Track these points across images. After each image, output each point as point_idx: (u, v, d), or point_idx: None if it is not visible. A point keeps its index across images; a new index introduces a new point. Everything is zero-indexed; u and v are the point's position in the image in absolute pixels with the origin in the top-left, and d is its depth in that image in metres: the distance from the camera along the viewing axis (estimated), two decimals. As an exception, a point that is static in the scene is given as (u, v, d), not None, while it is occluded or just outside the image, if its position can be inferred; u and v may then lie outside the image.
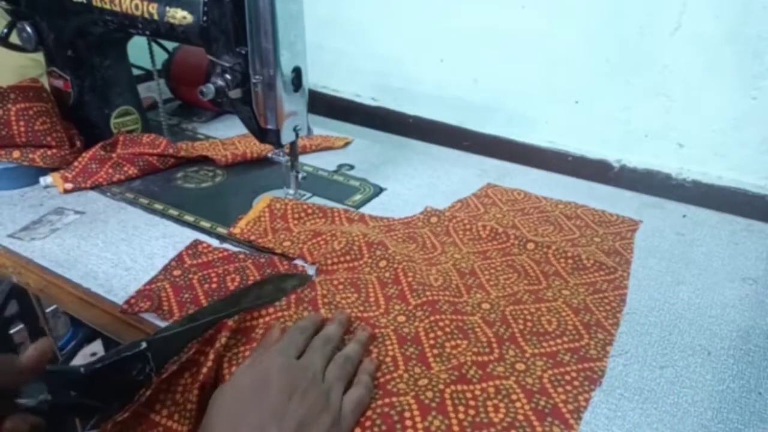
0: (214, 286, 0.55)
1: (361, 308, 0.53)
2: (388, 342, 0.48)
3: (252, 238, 0.62)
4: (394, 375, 0.45)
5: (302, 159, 0.80)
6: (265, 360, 0.43)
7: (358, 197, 0.74)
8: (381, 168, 0.82)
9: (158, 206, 0.70)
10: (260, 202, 0.68)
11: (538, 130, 0.88)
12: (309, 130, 0.67)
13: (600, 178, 0.82)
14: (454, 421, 0.41)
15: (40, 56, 0.80)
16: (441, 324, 0.50)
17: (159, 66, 0.87)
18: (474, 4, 0.85)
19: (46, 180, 0.72)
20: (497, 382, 0.45)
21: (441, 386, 0.44)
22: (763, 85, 0.70)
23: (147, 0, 0.64)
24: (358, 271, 0.57)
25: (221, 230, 0.65)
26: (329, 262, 0.58)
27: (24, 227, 0.65)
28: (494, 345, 0.49)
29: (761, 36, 0.68)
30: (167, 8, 0.63)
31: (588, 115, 0.83)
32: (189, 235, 0.64)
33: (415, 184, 0.78)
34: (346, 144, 0.90)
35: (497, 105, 0.90)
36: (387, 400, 0.43)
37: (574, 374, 0.46)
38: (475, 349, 0.48)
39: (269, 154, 0.69)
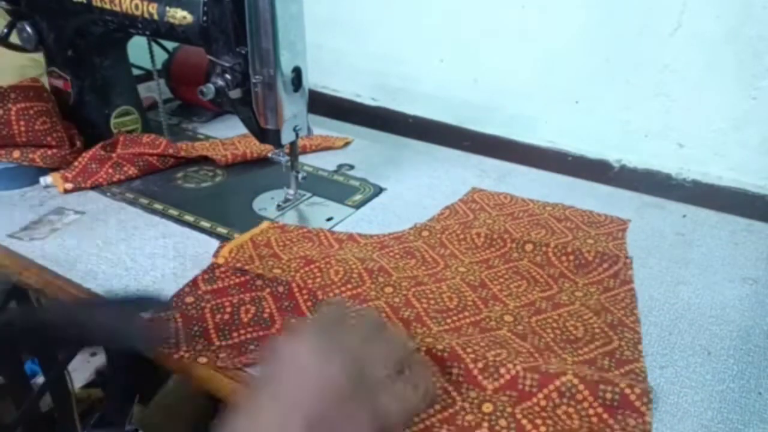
0: (226, 317, 0.52)
1: None
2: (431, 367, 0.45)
3: (238, 265, 0.58)
4: (456, 408, 0.43)
5: (302, 159, 0.80)
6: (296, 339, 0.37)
7: (358, 197, 0.74)
8: (381, 168, 0.82)
9: (158, 206, 0.70)
10: (246, 234, 0.64)
11: (538, 130, 0.88)
12: (309, 130, 0.67)
13: (600, 178, 0.82)
14: None
15: (40, 56, 0.80)
16: (474, 341, 0.48)
17: (159, 66, 0.87)
18: (474, 4, 0.85)
19: (46, 180, 0.72)
20: (557, 382, 0.43)
21: (509, 409, 0.42)
22: (763, 85, 0.70)
23: (147, 0, 0.64)
24: (364, 298, 0.54)
25: (221, 230, 0.65)
26: (331, 294, 0.54)
27: (24, 227, 0.65)
28: (536, 354, 0.47)
29: (761, 36, 0.68)
30: (167, 8, 0.63)
31: (588, 115, 0.83)
32: (189, 235, 0.64)
33: (415, 184, 0.78)
34: (346, 144, 0.90)
35: (497, 105, 0.90)
36: None
37: (622, 377, 0.45)
38: (521, 358, 0.46)
39: (269, 154, 0.69)
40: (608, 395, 0.42)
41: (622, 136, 0.81)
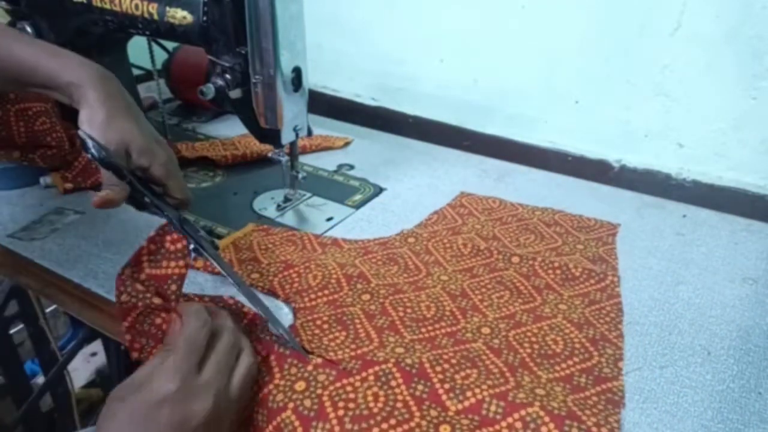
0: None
1: (353, 346, 0.48)
2: (393, 381, 0.44)
3: (216, 271, 0.57)
4: (411, 425, 0.41)
5: (302, 159, 0.80)
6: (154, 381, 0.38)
7: (358, 197, 0.74)
8: (381, 168, 0.82)
9: (158, 206, 0.70)
10: (231, 236, 0.63)
11: (538, 130, 0.88)
12: (309, 130, 0.67)
13: (600, 178, 0.82)
14: None
15: (40, 56, 0.79)
16: (445, 356, 0.47)
17: (159, 66, 0.87)
18: (474, 4, 0.85)
19: (46, 180, 0.72)
20: (522, 412, 0.42)
21: None
22: (763, 85, 0.70)
23: (147, 0, 0.64)
24: (340, 304, 0.53)
25: (221, 230, 0.65)
26: (306, 299, 0.54)
27: (24, 227, 0.65)
28: (507, 374, 0.46)
29: (761, 36, 0.68)
30: (167, 8, 0.63)
31: (588, 115, 0.83)
32: (189, 235, 0.64)
33: (415, 184, 0.78)
34: (346, 144, 0.90)
35: (497, 105, 0.90)
36: None
37: (595, 398, 0.44)
38: (489, 382, 0.45)
39: (269, 154, 0.69)
40: (574, 431, 0.41)
41: (622, 136, 0.81)
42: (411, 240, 0.65)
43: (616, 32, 0.76)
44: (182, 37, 0.64)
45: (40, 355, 1.10)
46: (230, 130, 0.93)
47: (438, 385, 0.44)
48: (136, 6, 0.65)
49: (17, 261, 0.60)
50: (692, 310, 0.55)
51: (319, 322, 0.51)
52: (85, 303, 0.56)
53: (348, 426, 0.41)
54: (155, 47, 0.85)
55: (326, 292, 0.55)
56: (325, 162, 0.83)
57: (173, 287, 0.45)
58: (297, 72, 0.61)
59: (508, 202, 0.73)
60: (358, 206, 0.72)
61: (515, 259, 0.61)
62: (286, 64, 0.59)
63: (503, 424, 0.41)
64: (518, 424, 0.41)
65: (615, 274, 0.59)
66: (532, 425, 0.41)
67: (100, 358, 1.31)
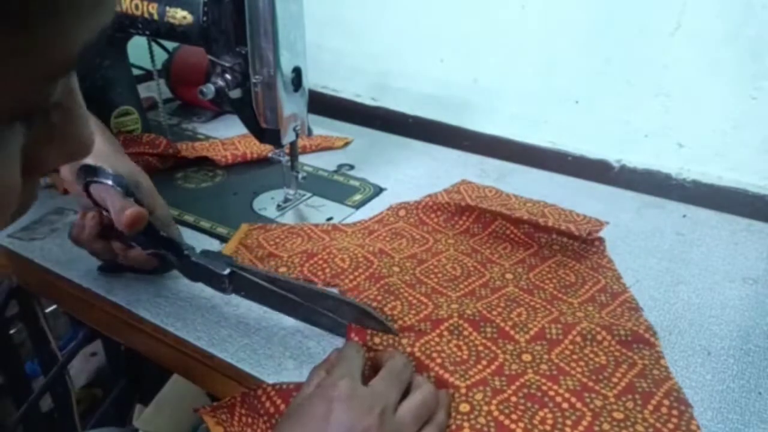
0: None
1: (413, 312, 0.52)
2: (465, 332, 0.50)
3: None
4: (500, 361, 0.48)
5: (302, 159, 0.80)
6: (328, 383, 0.39)
7: (358, 197, 0.74)
8: (381, 168, 0.82)
9: (158, 206, 0.70)
10: (232, 240, 0.63)
11: (538, 130, 0.88)
12: (309, 130, 0.67)
13: (600, 178, 0.82)
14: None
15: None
16: (494, 303, 0.54)
17: (159, 66, 0.87)
18: (474, 4, 0.85)
19: (46, 180, 0.72)
20: (578, 328, 0.50)
21: (546, 356, 0.48)
22: (763, 85, 0.70)
23: (147, 0, 0.64)
24: (379, 277, 0.56)
25: (221, 230, 0.65)
26: (347, 280, 0.56)
27: (24, 227, 0.65)
28: (549, 307, 0.53)
29: (761, 36, 0.68)
30: (167, 8, 0.63)
31: (588, 115, 0.83)
32: (189, 235, 0.64)
33: (415, 185, 0.78)
34: (346, 144, 0.90)
35: (497, 105, 0.90)
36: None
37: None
38: (539, 315, 0.52)
39: (269, 154, 0.69)
40: (621, 332, 0.49)
41: (622, 136, 0.81)
42: (402, 212, 0.68)
43: (616, 32, 0.76)
44: (182, 37, 0.64)
45: (40, 356, 1.09)
46: (230, 130, 0.93)
47: (503, 324, 0.51)
48: (136, 6, 0.65)
49: (17, 261, 0.60)
50: (692, 310, 0.55)
51: (372, 296, 0.54)
52: (85, 303, 0.56)
53: (451, 368, 0.47)
54: (155, 47, 0.85)
55: (361, 270, 0.58)
56: (325, 162, 0.83)
57: None
58: (297, 72, 0.61)
59: (504, 193, 0.74)
60: (358, 206, 0.72)
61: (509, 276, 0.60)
62: (286, 64, 0.59)
63: (566, 341, 0.49)
64: (578, 338, 0.49)
65: (612, 268, 0.60)
66: (588, 336, 0.49)
67: (100, 358, 1.31)
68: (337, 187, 0.77)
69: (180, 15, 0.62)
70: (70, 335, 1.28)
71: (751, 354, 0.50)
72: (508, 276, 0.58)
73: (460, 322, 0.51)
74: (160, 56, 0.93)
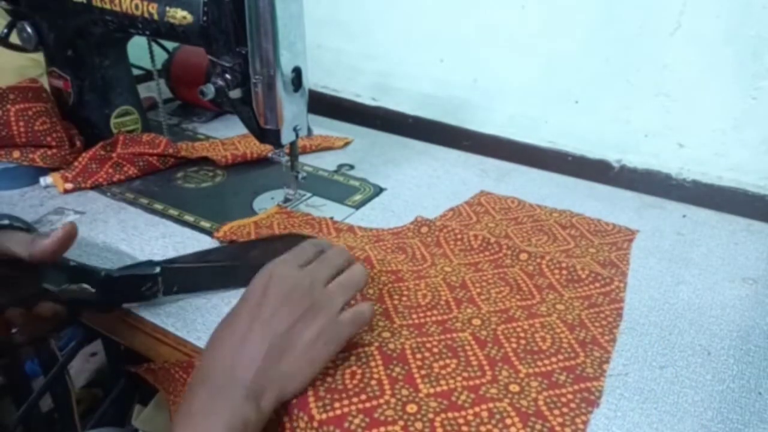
0: None
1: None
2: (372, 362, 0.46)
3: (234, 237, 0.62)
4: (381, 401, 0.43)
5: (302, 159, 0.80)
6: (268, 267, 0.44)
7: (358, 197, 0.74)
8: (381, 168, 0.82)
9: (158, 206, 0.70)
10: (256, 217, 0.67)
11: (538, 130, 0.88)
12: (309, 130, 0.67)
13: (600, 178, 0.82)
14: None
15: (40, 56, 0.79)
16: (428, 345, 0.48)
17: (159, 66, 0.87)
18: (474, 4, 0.85)
19: (46, 180, 0.72)
20: (490, 405, 0.43)
21: (431, 415, 0.42)
22: (763, 85, 0.70)
23: (147, 0, 0.64)
24: None
25: (221, 230, 0.65)
26: None
27: (24, 227, 0.65)
28: (486, 367, 0.47)
29: (761, 36, 0.68)
30: (167, 8, 0.63)
31: (588, 115, 0.83)
32: (189, 235, 0.64)
33: (415, 184, 0.78)
34: (346, 144, 0.90)
35: (497, 105, 0.90)
36: (375, 431, 0.41)
37: (570, 396, 0.44)
38: (465, 374, 0.46)
39: (269, 154, 0.69)
40: (537, 427, 0.41)
41: (622, 136, 0.81)
42: (424, 230, 0.66)
43: (616, 32, 0.76)
44: (182, 37, 0.64)
45: (40, 355, 1.10)
46: (230, 130, 0.93)
47: (415, 370, 0.46)
48: (136, 6, 0.65)
49: (17, 261, 0.60)
50: (692, 310, 0.55)
51: None
52: (85, 303, 0.56)
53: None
54: (155, 47, 0.85)
55: None
56: (325, 162, 0.83)
57: None
58: (297, 72, 0.61)
59: (527, 203, 0.73)
60: (358, 206, 0.72)
61: (523, 256, 0.60)
62: (286, 64, 0.59)
63: (469, 411, 0.43)
64: (484, 414, 0.42)
65: (622, 280, 0.58)
66: (497, 416, 0.42)
67: (100, 358, 1.31)
68: (337, 187, 0.77)
69: (180, 15, 0.62)
70: (70, 335, 1.28)
71: (751, 354, 0.50)
72: (475, 321, 0.52)
73: (375, 353, 0.47)
74: (160, 56, 0.93)
